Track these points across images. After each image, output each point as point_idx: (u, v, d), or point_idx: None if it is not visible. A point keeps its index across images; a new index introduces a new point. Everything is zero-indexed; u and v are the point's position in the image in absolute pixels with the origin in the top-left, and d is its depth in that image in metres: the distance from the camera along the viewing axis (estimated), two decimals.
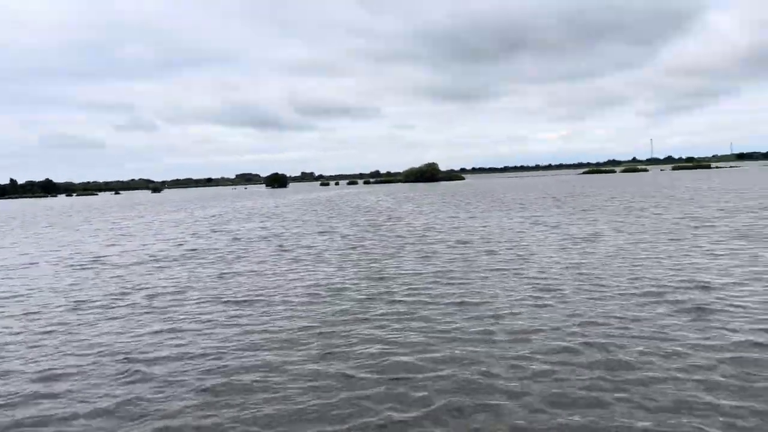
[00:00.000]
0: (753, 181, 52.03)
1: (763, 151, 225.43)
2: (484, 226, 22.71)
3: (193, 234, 25.74)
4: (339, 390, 6.30)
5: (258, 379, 6.75)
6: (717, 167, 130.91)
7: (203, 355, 7.73)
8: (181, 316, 9.87)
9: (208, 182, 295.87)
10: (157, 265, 16.09)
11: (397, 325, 8.68)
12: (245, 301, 10.89)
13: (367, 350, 7.58)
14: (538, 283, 11.11)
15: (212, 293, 11.75)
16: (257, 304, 10.52)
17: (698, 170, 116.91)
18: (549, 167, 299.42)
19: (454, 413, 5.62)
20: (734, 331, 7.60)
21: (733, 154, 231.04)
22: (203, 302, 10.94)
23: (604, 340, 7.44)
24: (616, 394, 5.81)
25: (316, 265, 14.84)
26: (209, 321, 9.49)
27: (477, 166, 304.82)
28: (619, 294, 9.92)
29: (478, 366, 6.80)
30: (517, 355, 7.10)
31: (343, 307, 10.01)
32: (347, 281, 12.34)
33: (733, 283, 10.35)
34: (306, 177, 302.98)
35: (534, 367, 6.67)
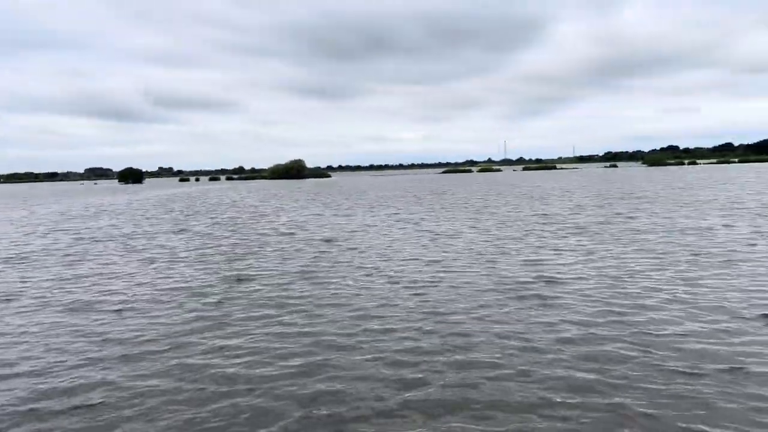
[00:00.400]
0: (590, 181, 57.27)
1: (600, 154, 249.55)
2: (350, 224, 22.72)
3: (29, 233, 23.13)
4: (191, 406, 5.79)
5: (97, 399, 6.03)
6: (562, 168, 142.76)
7: (29, 373, 6.79)
8: (4, 327, 8.67)
9: (53, 177, 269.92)
10: None
11: (257, 331, 8.24)
12: (84, 308, 9.82)
13: (223, 360, 7.09)
14: (399, 281, 11.18)
15: (45, 300, 10.49)
16: (99, 312, 9.53)
17: (545, 171, 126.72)
18: (411, 166, 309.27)
19: (309, 422, 5.35)
20: (575, 317, 8.08)
21: (575, 157, 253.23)
22: (34, 311, 9.72)
23: (455, 331, 7.57)
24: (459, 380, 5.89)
25: (171, 266, 13.87)
26: (38, 333, 8.41)
27: (343, 164, 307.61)
28: (475, 289, 10.23)
29: (342, 371, 6.59)
30: (379, 356, 6.99)
31: (198, 312, 9.36)
32: (204, 283, 11.62)
33: (576, 277, 11.09)
34: (164, 172, 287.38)
35: (387, 361, 6.59)
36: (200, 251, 16.22)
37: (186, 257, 15.18)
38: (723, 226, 17.70)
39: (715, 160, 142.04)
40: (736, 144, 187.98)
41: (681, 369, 6.24)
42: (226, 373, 6.56)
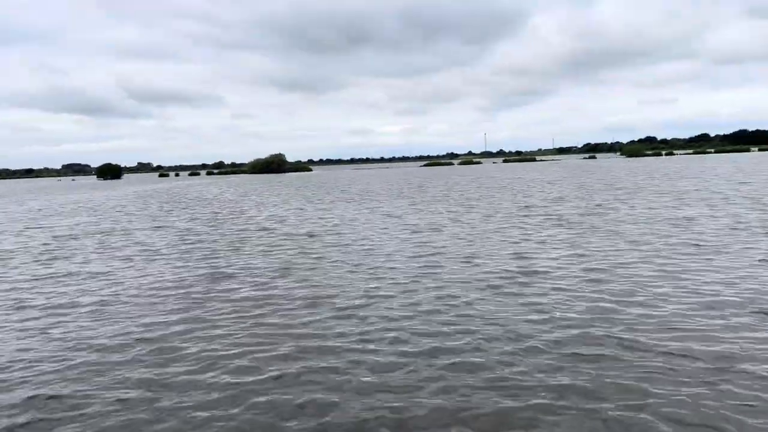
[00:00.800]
0: (571, 173, 57.65)
1: (579, 145, 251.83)
2: (333, 218, 22.54)
3: (3, 231, 22.58)
4: (166, 415, 5.61)
5: (65, 407, 5.82)
6: (542, 160, 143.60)
7: None
8: None
9: (28, 173, 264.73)
10: None
11: (238, 331, 8.06)
12: (56, 308, 9.55)
13: (204, 363, 6.91)
14: (383, 276, 11.07)
15: (16, 298, 10.19)
16: (72, 313, 9.26)
17: (525, 162, 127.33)
18: (393, 159, 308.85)
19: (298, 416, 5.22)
20: (566, 314, 8.04)
21: (554, 148, 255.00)
22: (6, 312, 9.42)
23: (443, 329, 7.48)
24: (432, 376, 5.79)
25: (149, 263, 13.59)
26: (10, 334, 8.14)
27: (324, 158, 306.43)
28: (461, 283, 10.15)
29: (328, 374, 6.45)
30: (362, 347, 6.87)
31: (180, 313, 9.14)
32: (183, 281, 11.39)
33: (557, 266, 11.06)
34: (143, 168, 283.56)
35: (375, 358, 6.48)
36: (180, 248, 15.93)
37: (165, 254, 14.90)
38: (704, 216, 17.84)
39: (691, 151, 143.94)
40: (712, 134, 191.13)
41: (669, 366, 6.20)
42: (204, 380, 6.39)
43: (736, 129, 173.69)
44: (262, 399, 5.70)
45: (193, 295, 10.09)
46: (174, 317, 8.71)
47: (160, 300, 9.85)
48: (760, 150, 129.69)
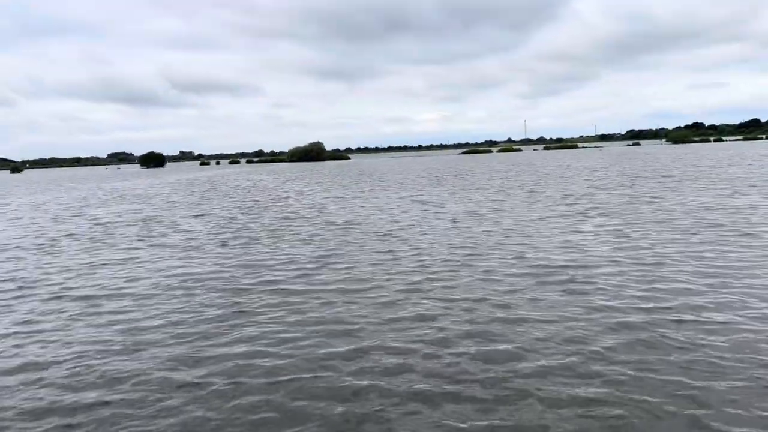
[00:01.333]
0: (615, 160, 56.14)
1: (623, 132, 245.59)
2: (373, 206, 22.42)
3: (53, 218, 23.21)
4: (214, 401, 5.56)
5: (102, 396, 5.84)
6: (584, 147, 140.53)
7: (46, 365, 6.62)
8: (24, 316, 8.54)
9: (77, 162, 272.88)
10: (8, 255, 14.15)
11: (277, 320, 8.01)
12: (104, 296, 9.68)
13: (245, 350, 6.86)
14: (424, 265, 10.87)
15: (66, 287, 10.37)
16: (117, 300, 9.37)
17: (567, 150, 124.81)
18: (431, 147, 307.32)
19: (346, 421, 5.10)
20: (613, 307, 7.71)
21: (597, 135, 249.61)
22: (50, 299, 9.59)
23: (484, 320, 7.26)
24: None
25: (191, 252, 13.71)
26: (56, 322, 8.27)
27: (362, 146, 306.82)
28: (506, 273, 9.88)
29: (373, 361, 6.32)
30: (420, 338, 6.71)
31: (216, 301, 9.16)
32: (223, 269, 11.42)
33: (609, 261, 10.67)
34: (185, 156, 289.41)
35: (423, 349, 6.31)
36: (222, 236, 16.05)
37: (207, 242, 15.02)
38: (760, 205, 17.03)
39: (741, 137, 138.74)
40: (763, 120, 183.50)
41: (732, 363, 5.85)
42: (244, 365, 6.33)
43: None
44: (309, 385, 5.61)
45: (232, 284, 10.09)
46: (208, 304, 8.71)
47: (200, 288, 9.88)
48: None
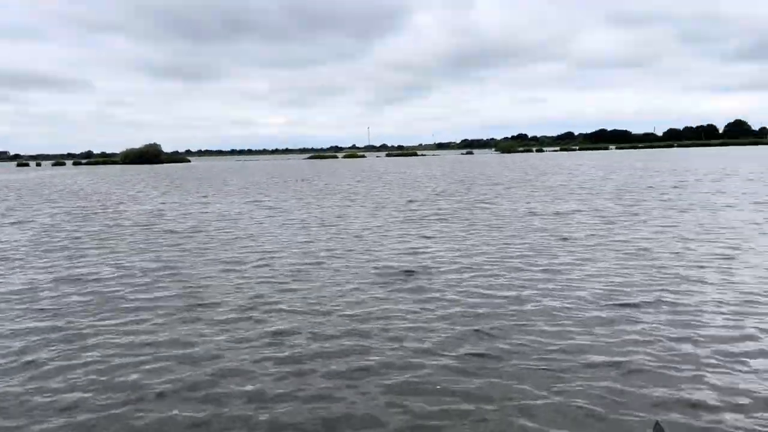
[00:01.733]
0: (452, 168, 59.55)
1: (458, 141, 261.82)
2: (215, 213, 21.46)
3: None
4: None
5: None
6: (422, 154, 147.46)
7: None
8: None
9: None
10: None
11: (107, 340, 7.26)
12: None
13: (62, 381, 6.10)
14: (270, 273, 10.56)
15: None
16: None
17: (407, 156, 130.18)
18: (276, 151, 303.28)
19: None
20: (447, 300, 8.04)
21: (434, 144, 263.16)
22: None
23: (331, 332, 7.20)
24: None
25: (1, 264, 12.07)
26: None
27: (204, 149, 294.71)
28: (354, 279, 9.91)
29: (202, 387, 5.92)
30: (260, 355, 6.40)
31: (32, 321, 8.10)
32: (41, 286, 10.17)
33: (447, 261, 11.17)
34: None
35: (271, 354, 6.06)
36: (41, 247, 14.34)
37: (23, 254, 13.33)
38: (576, 211, 18.95)
39: (558, 148, 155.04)
40: (576, 133, 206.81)
41: (574, 364, 6.32)
42: (46, 403, 5.63)
43: (597, 128, 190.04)
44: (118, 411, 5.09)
45: (51, 301, 9.00)
46: (23, 325, 7.68)
47: (14, 307, 8.69)
48: (617, 148, 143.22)
